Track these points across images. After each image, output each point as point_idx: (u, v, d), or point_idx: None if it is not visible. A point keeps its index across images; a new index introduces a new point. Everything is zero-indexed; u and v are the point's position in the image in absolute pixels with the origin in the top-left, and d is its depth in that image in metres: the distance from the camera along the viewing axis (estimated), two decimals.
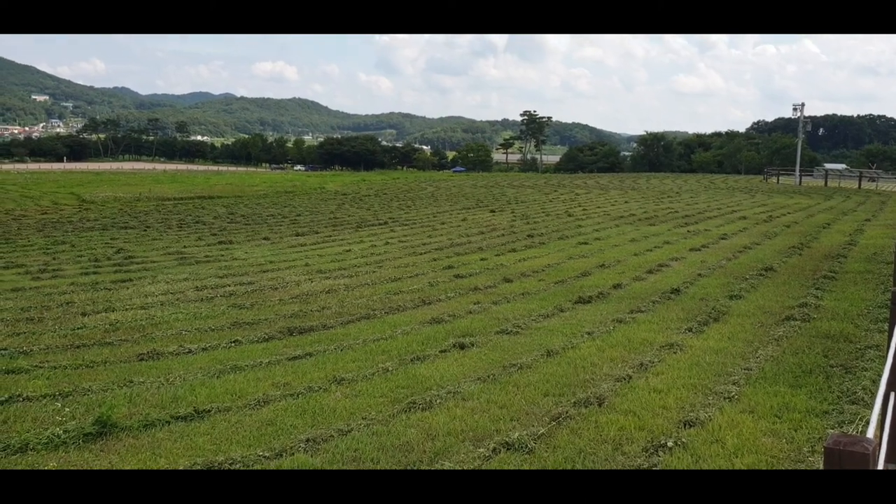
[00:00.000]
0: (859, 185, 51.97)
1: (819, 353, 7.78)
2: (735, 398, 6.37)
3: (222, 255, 16.68)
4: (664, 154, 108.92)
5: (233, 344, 8.62)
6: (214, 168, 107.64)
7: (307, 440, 5.55)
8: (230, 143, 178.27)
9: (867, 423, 5.71)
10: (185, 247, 18.38)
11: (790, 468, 4.94)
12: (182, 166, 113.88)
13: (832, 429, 5.67)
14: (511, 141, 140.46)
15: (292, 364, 7.73)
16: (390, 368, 7.43)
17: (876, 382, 6.56)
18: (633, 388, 6.69)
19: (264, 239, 20.18)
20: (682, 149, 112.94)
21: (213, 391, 6.80)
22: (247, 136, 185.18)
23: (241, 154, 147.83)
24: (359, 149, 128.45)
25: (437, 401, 6.37)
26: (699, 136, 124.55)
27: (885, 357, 4.36)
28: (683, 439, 5.42)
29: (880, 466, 3.59)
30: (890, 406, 4.72)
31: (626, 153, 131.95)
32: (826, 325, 9.07)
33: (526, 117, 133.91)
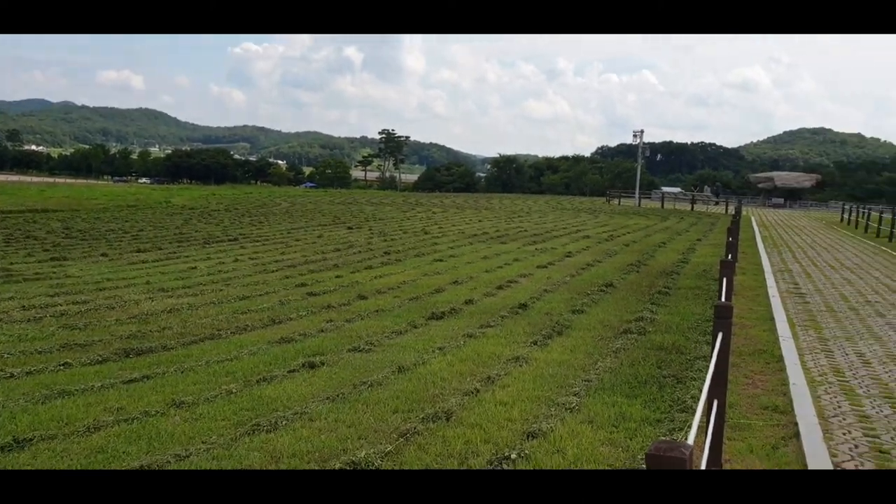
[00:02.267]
0: (692, 207, 56.02)
1: (653, 365, 8.24)
2: (576, 409, 6.61)
3: (54, 273, 15.51)
4: (516, 176, 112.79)
5: (62, 367, 8.00)
6: (50, 180, 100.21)
7: (140, 467, 5.22)
8: (69, 153, 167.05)
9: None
10: (11, 263, 16.93)
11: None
12: (14, 177, 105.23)
13: (664, 436, 6.00)
14: (370, 159, 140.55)
15: (128, 387, 7.27)
16: (234, 390, 7.15)
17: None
18: (480, 402, 6.80)
19: (102, 255, 18.96)
20: (533, 171, 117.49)
21: (37, 418, 6.27)
22: (87, 147, 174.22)
23: (81, 165, 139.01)
24: (209, 162, 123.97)
25: (283, 422, 6.19)
26: (548, 160, 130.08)
27: (710, 368, 4.67)
28: (527, 451, 5.55)
29: None
30: (713, 414, 5.06)
31: (481, 174, 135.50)
32: (660, 337, 9.63)
33: (384, 136, 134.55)
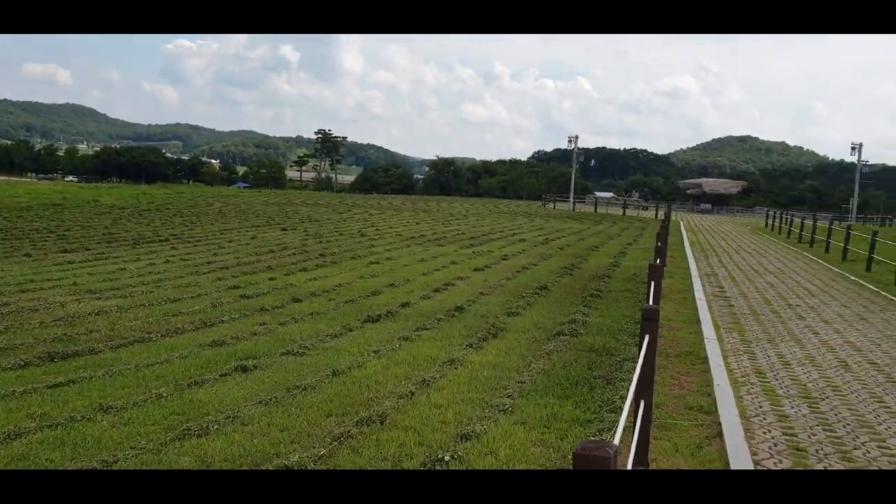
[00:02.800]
0: (624, 211, 57.28)
1: (584, 366, 8.42)
2: (509, 410, 6.71)
3: None
4: (454, 178, 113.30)
5: None
6: None
7: None
8: None
9: (625, 429, 6.27)
10: None
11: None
12: None
13: (594, 436, 6.14)
14: (306, 159, 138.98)
15: (52, 392, 7.06)
16: (165, 394, 7.01)
17: None
18: (414, 405, 6.84)
19: (25, 255, 18.29)
20: (471, 174, 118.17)
21: None
22: (10, 143, 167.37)
23: (3, 162, 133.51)
24: (140, 160, 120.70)
25: (215, 426, 6.11)
26: (486, 163, 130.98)
27: (637, 370, 4.82)
28: (460, 452, 5.61)
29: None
30: (640, 414, 5.22)
31: (419, 176, 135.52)
32: (591, 339, 9.85)
33: (321, 136, 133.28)
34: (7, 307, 11.25)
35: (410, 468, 5.37)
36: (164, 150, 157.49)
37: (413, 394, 7.17)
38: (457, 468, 5.35)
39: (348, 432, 5.99)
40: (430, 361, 8.52)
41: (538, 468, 5.44)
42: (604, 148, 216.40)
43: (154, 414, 6.47)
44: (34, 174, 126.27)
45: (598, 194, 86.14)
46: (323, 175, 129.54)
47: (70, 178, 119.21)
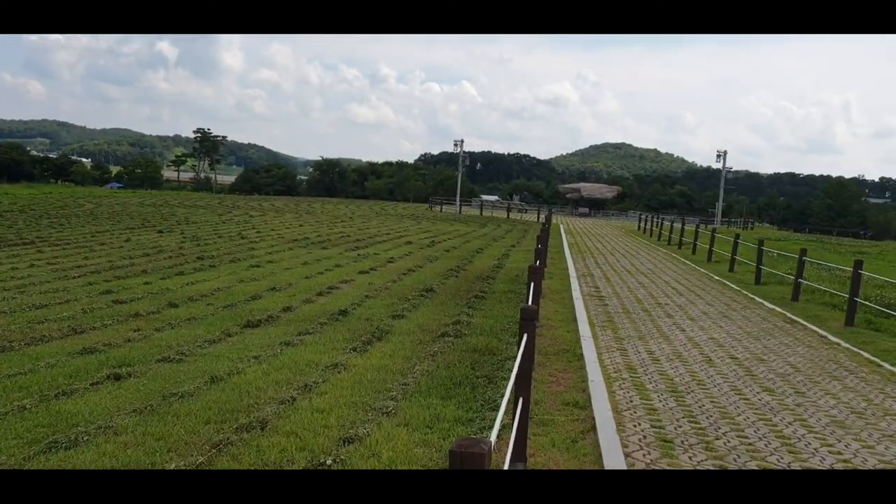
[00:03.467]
0: (508, 214, 58.61)
1: (468, 366, 8.59)
2: (392, 413, 6.76)
3: None
4: (339, 180, 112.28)
5: None
6: None
7: None
8: None
9: (504, 426, 6.45)
10: None
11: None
12: None
13: (475, 434, 6.29)
14: (183, 158, 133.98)
15: None
16: (28, 406, 6.63)
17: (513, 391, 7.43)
18: (296, 410, 6.77)
19: None
20: (357, 175, 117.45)
21: None
22: None
23: None
24: (1, 158, 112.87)
25: (85, 437, 5.83)
26: (372, 165, 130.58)
27: (515, 368, 4.98)
28: (342, 456, 5.62)
29: (506, 466, 4.08)
30: (518, 411, 5.40)
31: (303, 177, 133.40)
32: (475, 339, 10.05)
33: (200, 135, 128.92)
34: None
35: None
36: (28, 148, 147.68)
37: (295, 399, 7.10)
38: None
39: (228, 439, 5.87)
40: (312, 366, 8.45)
41: (420, 468, 5.51)
42: (489, 152, 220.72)
43: (16, 427, 6.11)
44: None
45: (484, 197, 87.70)
46: (202, 175, 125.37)
47: None
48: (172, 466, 5.27)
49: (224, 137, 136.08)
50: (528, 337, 5.52)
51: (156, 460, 5.47)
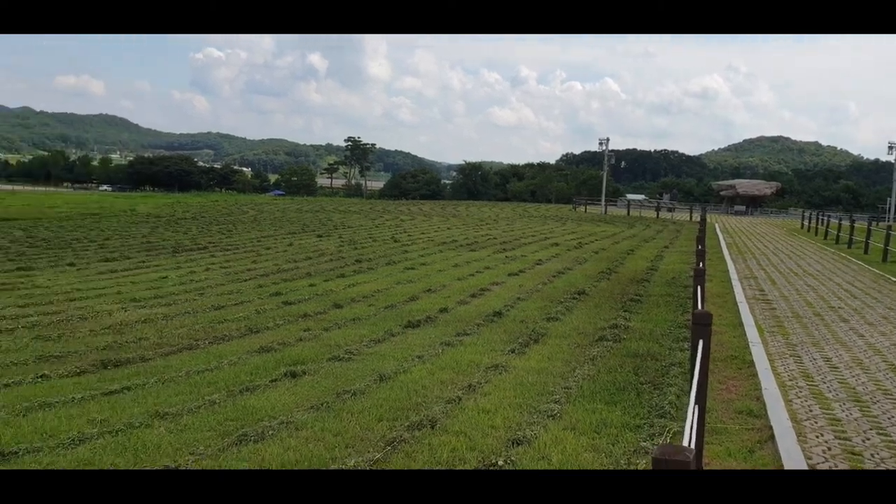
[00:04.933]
0: (657, 214, 56.87)
1: (630, 371, 8.41)
2: (558, 416, 6.74)
3: (22, 283, 15.27)
4: (482, 183, 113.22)
5: (40, 379, 7.92)
6: (8, 187, 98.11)
7: None
8: (27, 160, 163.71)
9: (674, 434, 6.27)
10: None
11: None
12: None
13: (644, 441, 6.15)
14: (336, 166, 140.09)
15: (109, 399, 7.23)
16: (218, 401, 7.15)
17: (680, 397, 7.21)
18: (463, 410, 6.90)
19: (69, 265, 18.71)
20: (499, 178, 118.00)
21: (20, 431, 6.21)
22: (46, 153, 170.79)
23: (40, 172, 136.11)
24: (173, 169, 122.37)
25: (270, 432, 6.22)
26: (514, 167, 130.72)
27: (692, 375, 4.83)
28: (513, 457, 5.66)
29: None
30: (694, 419, 5.23)
31: (447, 181, 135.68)
32: (635, 344, 9.83)
33: (350, 143, 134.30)
34: (58, 315, 11.53)
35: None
36: (196, 159, 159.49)
37: (460, 399, 7.23)
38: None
39: (401, 437, 6.06)
40: (473, 367, 8.57)
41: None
42: (634, 150, 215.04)
43: (209, 420, 6.60)
44: (69, 184, 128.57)
45: (630, 197, 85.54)
46: (353, 182, 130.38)
47: (104, 187, 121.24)
48: (351, 463, 5.51)
49: (373, 145, 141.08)
50: (703, 343, 5.33)
51: (335, 455, 5.74)
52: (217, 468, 5.49)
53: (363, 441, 6.06)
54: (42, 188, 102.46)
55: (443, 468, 5.52)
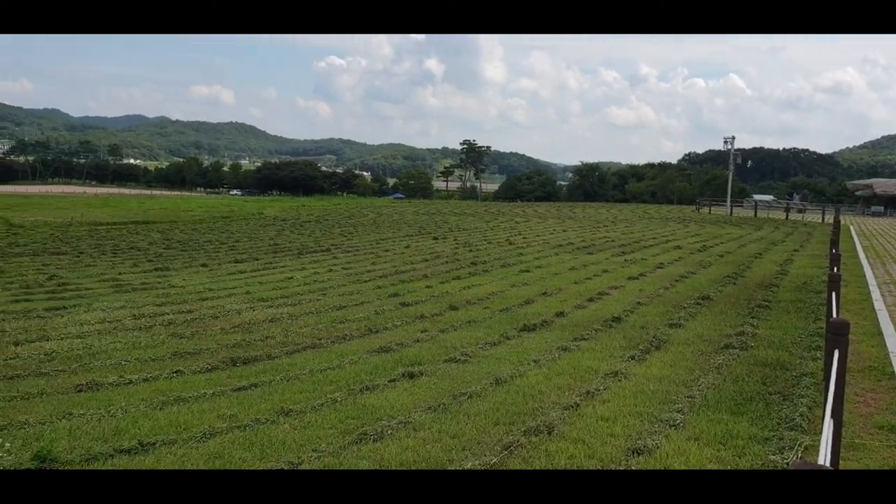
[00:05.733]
0: (786, 215, 54.09)
1: (758, 381, 8.03)
2: (680, 425, 6.52)
3: (159, 283, 16.29)
4: (599, 184, 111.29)
5: (175, 374, 8.41)
6: (148, 192, 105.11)
7: None
8: (164, 166, 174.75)
9: (805, 448, 5.93)
10: (120, 273, 17.88)
11: None
12: (114, 190, 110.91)
13: (773, 455, 5.84)
14: (451, 169, 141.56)
15: (238, 395, 7.59)
16: (339, 399, 7.36)
17: (813, 409, 6.82)
18: (581, 416, 6.79)
19: (202, 266, 19.80)
20: (617, 179, 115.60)
21: (157, 423, 6.62)
22: (181, 160, 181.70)
23: (176, 178, 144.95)
24: (297, 174, 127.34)
25: (389, 431, 6.34)
26: (633, 167, 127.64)
27: (826, 387, 4.55)
28: (633, 467, 5.52)
29: None
30: (829, 433, 4.92)
31: (563, 182, 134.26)
32: (763, 353, 9.37)
33: (465, 146, 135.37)
34: (191, 314, 12.22)
35: None
36: (319, 164, 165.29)
37: (578, 405, 7.12)
38: None
39: (517, 441, 6.03)
40: (591, 372, 8.42)
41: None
42: (761, 148, 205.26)
43: (330, 417, 6.80)
44: (203, 189, 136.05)
45: (758, 197, 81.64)
46: (468, 184, 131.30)
47: (234, 191, 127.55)
48: (468, 466, 5.53)
49: (488, 147, 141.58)
50: (839, 353, 5.01)
51: (452, 457, 5.78)
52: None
53: (480, 444, 6.07)
54: (178, 193, 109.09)
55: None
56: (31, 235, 29.47)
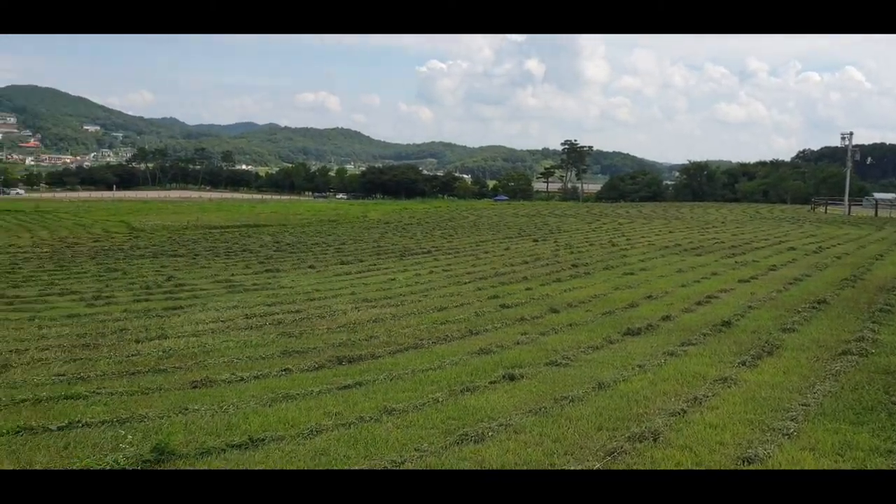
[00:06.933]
0: None
1: (880, 390, 7.57)
2: (794, 435, 6.23)
3: (269, 283, 16.91)
4: (707, 183, 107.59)
5: (283, 372, 8.71)
6: (259, 196, 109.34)
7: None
8: (274, 171, 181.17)
9: None
10: (233, 275, 18.68)
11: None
12: (227, 195, 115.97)
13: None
14: (552, 170, 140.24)
15: (343, 393, 7.78)
16: (440, 399, 7.42)
17: None
18: (688, 423, 6.59)
19: (310, 267, 20.41)
20: (726, 178, 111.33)
21: (267, 420, 6.87)
22: (290, 165, 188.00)
23: (285, 183, 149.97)
24: (400, 178, 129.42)
25: (490, 433, 6.34)
26: (743, 166, 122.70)
27: None
28: None
29: None
30: None
31: (669, 182, 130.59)
32: (885, 360, 8.84)
33: (567, 146, 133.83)
34: (299, 314, 12.62)
35: None
36: (420, 168, 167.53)
37: (685, 412, 6.91)
38: None
39: (621, 447, 5.91)
40: (699, 379, 8.16)
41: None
42: (882, 144, 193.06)
43: (432, 417, 6.87)
44: (310, 193, 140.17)
45: (878, 196, 76.90)
46: (569, 185, 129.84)
47: (340, 195, 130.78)
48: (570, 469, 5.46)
49: (590, 147, 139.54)
50: None
51: (554, 462, 5.72)
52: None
53: (582, 449, 5.98)
54: (287, 197, 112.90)
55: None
56: (151, 238, 31.24)
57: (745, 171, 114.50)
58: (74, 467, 5.60)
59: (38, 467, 5.65)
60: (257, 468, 5.69)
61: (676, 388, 7.78)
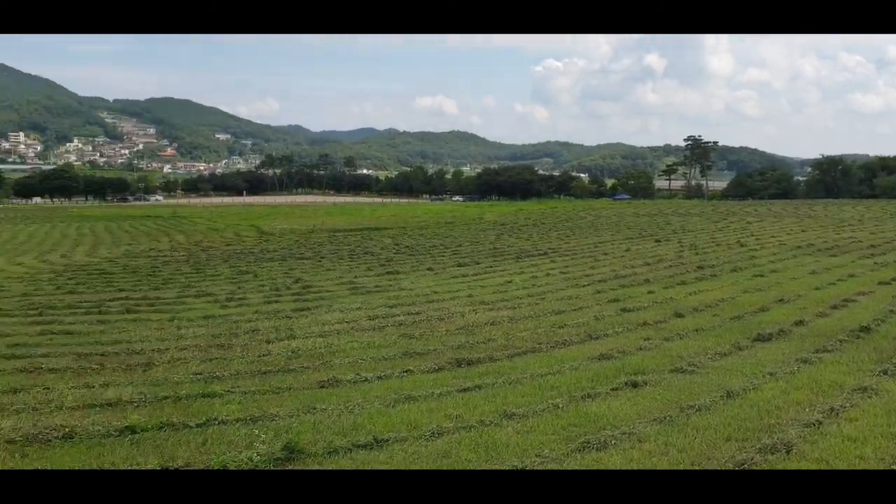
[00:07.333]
0: None
1: None
2: None
3: (390, 285, 17.31)
4: (842, 179, 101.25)
5: (405, 373, 8.90)
6: (379, 200, 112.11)
7: None
8: (393, 175, 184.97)
9: None
10: (356, 277, 19.24)
11: None
12: (350, 199, 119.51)
13: None
14: (674, 167, 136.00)
15: (462, 396, 7.86)
16: (560, 405, 7.37)
17: None
18: (823, 436, 6.25)
19: (428, 269, 20.73)
20: (863, 173, 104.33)
21: (390, 420, 7.04)
22: (408, 169, 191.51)
23: (403, 186, 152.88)
24: (515, 178, 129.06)
25: (612, 441, 6.25)
26: (882, 159, 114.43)
27: None
28: None
29: None
30: None
31: (800, 178, 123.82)
32: None
33: (690, 142, 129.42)
34: (419, 316, 12.85)
35: None
36: (536, 168, 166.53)
37: (820, 423, 6.56)
38: None
39: (751, 459, 5.69)
40: (836, 388, 7.72)
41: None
42: None
43: (553, 423, 6.83)
44: (428, 195, 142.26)
45: None
46: (693, 183, 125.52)
47: (456, 197, 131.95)
48: None
49: (715, 143, 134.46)
50: None
51: None
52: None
53: (710, 460, 5.80)
54: (405, 200, 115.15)
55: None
56: (280, 241, 32.64)
57: (884, 166, 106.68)
58: (212, 464, 5.93)
59: (179, 462, 6.02)
60: (382, 468, 5.85)
61: (811, 397, 7.39)
